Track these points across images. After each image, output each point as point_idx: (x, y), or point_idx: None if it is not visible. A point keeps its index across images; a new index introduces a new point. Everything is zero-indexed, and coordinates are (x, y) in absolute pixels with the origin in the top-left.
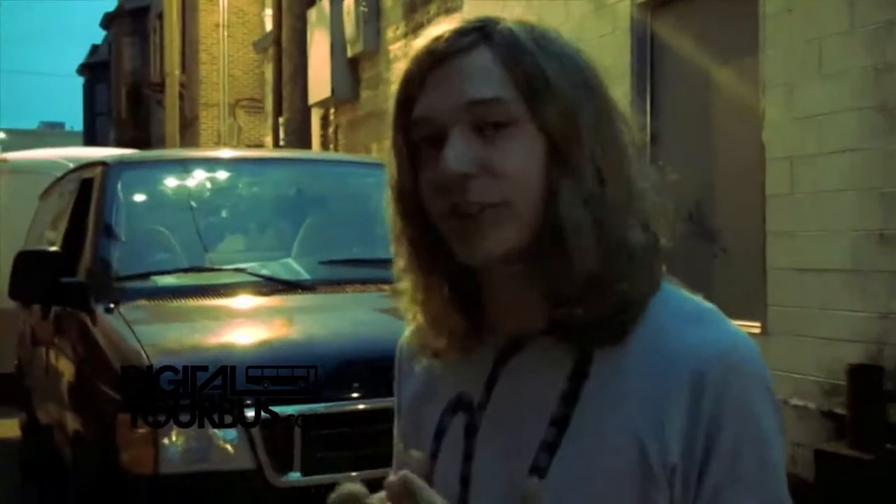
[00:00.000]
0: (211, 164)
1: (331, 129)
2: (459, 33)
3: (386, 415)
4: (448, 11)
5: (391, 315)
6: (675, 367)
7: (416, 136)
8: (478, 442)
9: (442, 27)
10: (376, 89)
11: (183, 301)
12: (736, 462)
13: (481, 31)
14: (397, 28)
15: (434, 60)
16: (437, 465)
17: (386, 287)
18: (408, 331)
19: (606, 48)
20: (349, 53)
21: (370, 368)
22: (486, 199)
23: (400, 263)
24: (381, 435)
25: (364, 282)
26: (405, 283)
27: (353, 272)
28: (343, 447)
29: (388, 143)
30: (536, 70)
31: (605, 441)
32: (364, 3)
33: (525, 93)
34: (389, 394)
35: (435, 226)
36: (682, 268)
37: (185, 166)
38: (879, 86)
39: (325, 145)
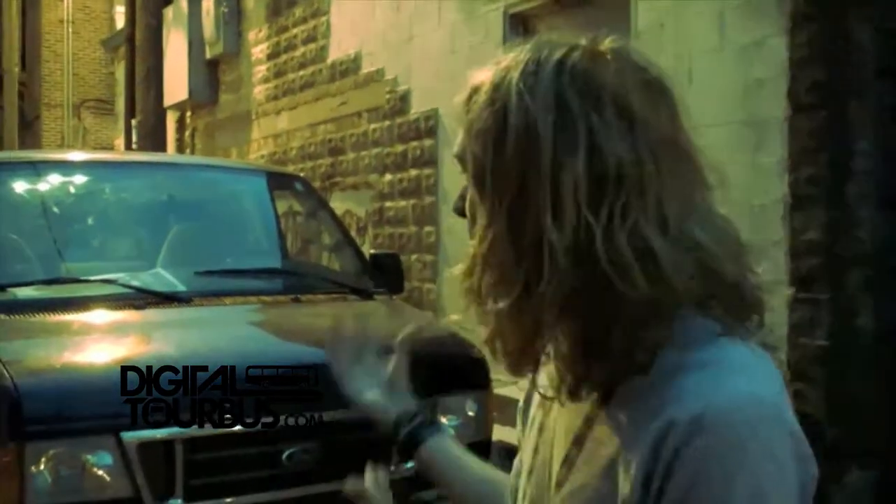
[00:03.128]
0: (72, 167)
1: (187, 133)
2: None
3: (268, 436)
4: (315, 15)
5: (272, 330)
6: (657, 411)
7: None
8: (542, 441)
9: None
10: (237, 92)
11: (47, 315)
12: None
13: None
14: (260, 30)
15: None
16: (523, 450)
17: (267, 298)
18: None
19: (478, 57)
20: (208, 55)
21: (251, 387)
22: None
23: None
24: (265, 457)
25: (243, 293)
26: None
27: (231, 283)
28: (227, 471)
29: None
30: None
31: (594, 470)
32: (225, 4)
33: None
34: (272, 414)
35: None
36: None
37: (43, 169)
38: (747, 101)
39: (181, 149)
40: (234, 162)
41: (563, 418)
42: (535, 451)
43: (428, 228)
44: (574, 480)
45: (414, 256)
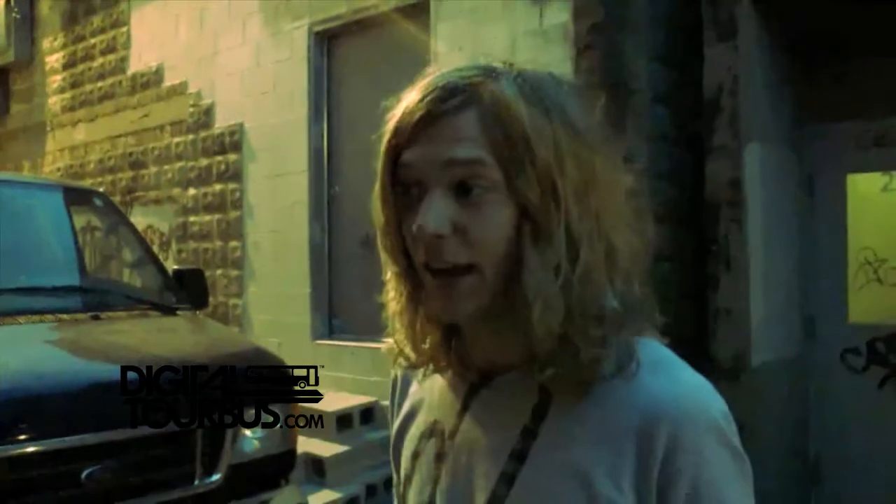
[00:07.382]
0: None
1: None
2: (451, 92)
3: (65, 456)
4: (114, 25)
5: (69, 348)
6: (627, 414)
7: (403, 178)
8: (444, 469)
9: (436, 81)
10: (30, 102)
11: None
12: None
13: (469, 93)
14: (55, 38)
15: (424, 117)
16: (410, 487)
17: (64, 316)
18: (395, 355)
19: (284, 74)
20: None
21: (47, 407)
22: (456, 261)
23: (388, 275)
24: (64, 477)
25: (38, 312)
26: (392, 300)
27: (25, 302)
28: (22, 495)
29: (376, 185)
30: (518, 137)
31: (556, 476)
32: (16, 10)
33: (502, 159)
34: (68, 433)
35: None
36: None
37: None
38: None
39: None
40: (28, 176)
41: (482, 438)
42: (435, 482)
43: (233, 243)
44: (522, 495)
45: (219, 271)
